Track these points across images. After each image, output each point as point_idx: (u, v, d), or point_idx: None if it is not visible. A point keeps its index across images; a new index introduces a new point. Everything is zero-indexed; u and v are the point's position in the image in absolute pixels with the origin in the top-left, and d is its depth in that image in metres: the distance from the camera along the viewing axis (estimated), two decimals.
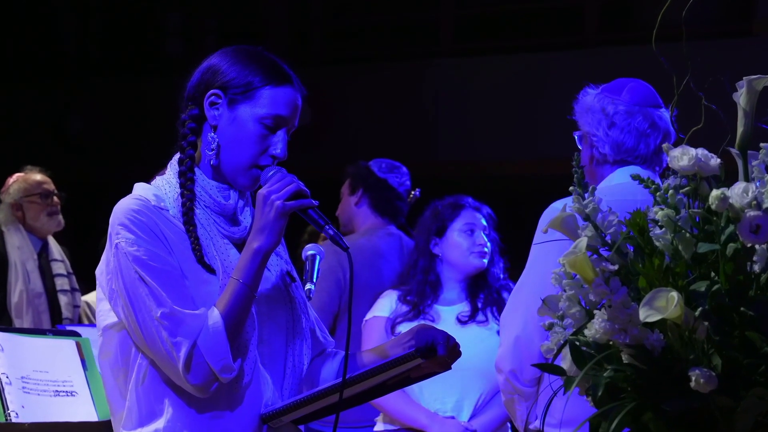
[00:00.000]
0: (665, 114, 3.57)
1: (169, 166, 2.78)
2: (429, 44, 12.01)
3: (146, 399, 2.67)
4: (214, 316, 2.60)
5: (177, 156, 2.77)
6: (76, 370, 3.83)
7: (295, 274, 2.88)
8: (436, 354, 2.66)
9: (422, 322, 4.47)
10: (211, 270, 2.66)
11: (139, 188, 2.75)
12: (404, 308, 4.65)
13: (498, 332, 3.78)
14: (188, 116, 2.76)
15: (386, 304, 4.70)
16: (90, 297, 6.71)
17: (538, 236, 3.49)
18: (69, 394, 3.76)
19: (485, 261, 4.70)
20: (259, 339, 2.69)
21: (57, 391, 3.77)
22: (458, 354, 2.73)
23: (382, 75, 11.49)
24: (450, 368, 2.76)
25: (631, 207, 2.18)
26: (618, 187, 3.33)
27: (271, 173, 2.69)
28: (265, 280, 2.72)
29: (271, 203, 2.63)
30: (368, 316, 4.72)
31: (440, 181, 9.77)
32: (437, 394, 4.55)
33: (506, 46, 11.44)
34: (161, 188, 2.74)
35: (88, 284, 6.65)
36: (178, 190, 2.71)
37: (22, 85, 12.61)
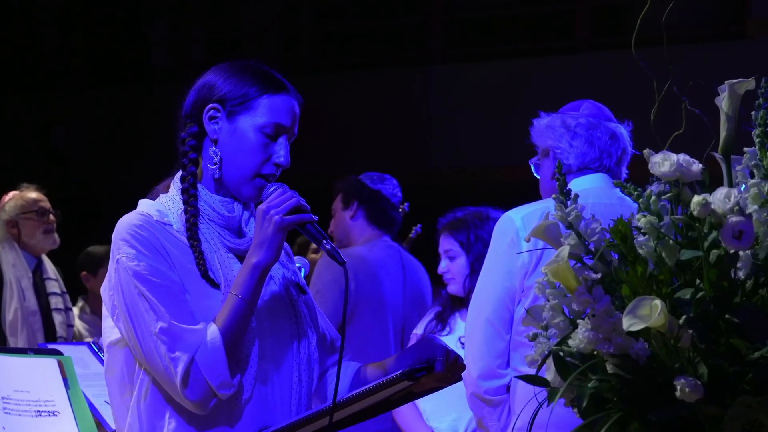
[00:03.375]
0: (623, 129, 3.65)
1: (172, 184, 2.79)
2: (419, 50, 11.99)
3: (147, 416, 2.67)
4: (213, 331, 2.60)
5: (179, 174, 2.78)
6: (58, 389, 3.77)
7: (306, 286, 2.88)
8: (433, 371, 2.63)
9: (430, 334, 4.52)
10: (214, 284, 2.67)
11: (143, 204, 2.77)
12: (432, 323, 4.74)
13: None
14: (188, 134, 2.77)
15: (424, 321, 4.82)
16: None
17: (494, 247, 3.59)
18: (51, 414, 3.71)
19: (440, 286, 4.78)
20: (263, 354, 2.68)
21: (39, 411, 3.73)
22: (461, 367, 2.70)
23: (372, 82, 11.46)
24: (453, 382, 2.73)
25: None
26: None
27: (272, 189, 2.70)
28: (269, 293, 2.73)
29: (270, 218, 2.64)
30: (413, 333, 4.87)
31: (432, 188, 9.76)
32: (436, 413, 4.57)
33: (498, 52, 11.41)
34: (165, 204, 2.75)
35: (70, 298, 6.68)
36: (182, 207, 2.73)
37: (6, 96, 12.54)
